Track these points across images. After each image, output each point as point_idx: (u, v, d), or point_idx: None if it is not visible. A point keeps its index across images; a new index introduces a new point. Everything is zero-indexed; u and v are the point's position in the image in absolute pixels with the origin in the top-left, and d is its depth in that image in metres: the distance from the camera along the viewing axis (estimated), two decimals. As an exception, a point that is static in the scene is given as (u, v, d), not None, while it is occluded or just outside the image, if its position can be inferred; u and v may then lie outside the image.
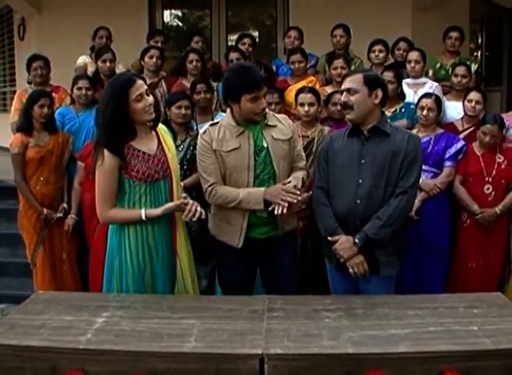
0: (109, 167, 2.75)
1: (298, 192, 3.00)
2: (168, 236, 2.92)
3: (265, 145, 3.07)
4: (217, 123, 3.18)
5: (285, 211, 2.93)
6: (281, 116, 3.27)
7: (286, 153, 3.13)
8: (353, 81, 2.97)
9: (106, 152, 2.74)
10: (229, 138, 3.07)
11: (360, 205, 2.95)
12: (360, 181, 2.96)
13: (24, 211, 4.43)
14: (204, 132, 3.16)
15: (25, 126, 4.34)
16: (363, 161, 2.96)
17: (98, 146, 2.79)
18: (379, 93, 2.96)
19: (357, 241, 2.92)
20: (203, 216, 2.85)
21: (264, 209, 3.02)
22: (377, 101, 2.97)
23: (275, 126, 3.13)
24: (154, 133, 2.94)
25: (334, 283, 3.19)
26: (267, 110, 3.18)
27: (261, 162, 3.07)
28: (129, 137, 2.81)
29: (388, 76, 4.27)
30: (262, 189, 3.01)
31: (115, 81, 2.84)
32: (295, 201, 2.95)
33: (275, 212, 2.95)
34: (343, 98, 3.01)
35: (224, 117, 3.22)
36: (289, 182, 3.02)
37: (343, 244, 2.95)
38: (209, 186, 3.10)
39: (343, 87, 3.06)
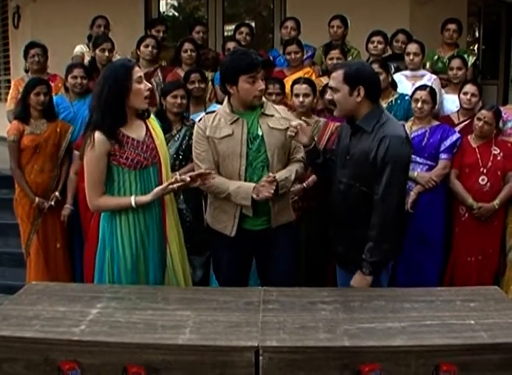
0: (99, 152, 2.72)
1: (273, 187, 2.96)
2: (158, 223, 2.90)
3: (260, 133, 3.06)
4: (214, 111, 3.19)
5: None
6: (280, 107, 3.26)
7: (282, 143, 3.10)
8: (334, 79, 2.86)
9: (97, 136, 2.70)
10: (223, 125, 3.07)
11: (339, 201, 2.92)
12: (341, 178, 2.91)
13: (19, 199, 4.43)
14: (200, 119, 3.18)
15: (22, 114, 4.33)
16: (347, 157, 2.90)
17: (90, 129, 2.75)
18: (361, 91, 2.79)
19: (365, 270, 2.81)
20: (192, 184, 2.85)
21: (250, 206, 3.01)
22: (359, 98, 2.81)
23: (272, 115, 3.11)
24: (141, 120, 2.91)
25: (338, 276, 3.19)
26: (264, 99, 3.16)
27: (255, 150, 3.06)
28: (119, 123, 2.78)
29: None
30: (252, 185, 3.00)
31: (112, 65, 2.85)
32: (266, 194, 2.93)
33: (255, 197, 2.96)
34: (328, 95, 2.94)
35: (222, 106, 3.21)
36: (275, 176, 2.98)
37: (360, 284, 2.83)
38: None
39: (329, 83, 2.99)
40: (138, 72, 2.77)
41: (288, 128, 3.07)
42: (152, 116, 3.02)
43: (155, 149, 2.87)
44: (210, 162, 3.09)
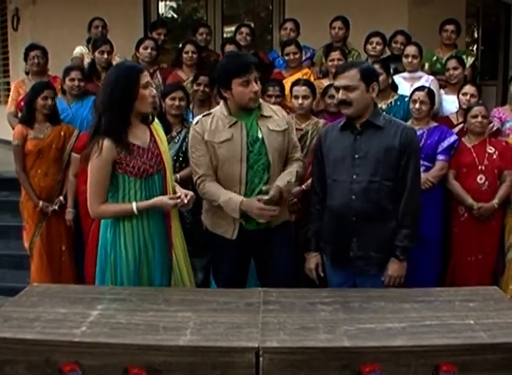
0: (106, 159, 2.68)
1: (274, 207, 2.96)
2: (162, 228, 2.88)
3: (260, 136, 3.04)
4: (210, 113, 3.13)
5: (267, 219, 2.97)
6: (275, 107, 3.24)
7: (281, 144, 3.10)
8: (349, 78, 2.88)
9: (106, 143, 2.66)
10: (222, 129, 3.03)
11: (356, 201, 2.91)
12: (355, 177, 2.91)
13: (24, 201, 4.45)
14: (197, 122, 3.12)
15: (27, 117, 4.34)
16: (356, 156, 2.91)
17: (98, 135, 2.70)
18: (375, 86, 2.91)
19: (402, 257, 2.93)
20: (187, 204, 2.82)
21: (240, 218, 3.01)
22: (374, 94, 2.92)
23: (270, 116, 3.09)
24: (145, 125, 2.87)
25: (331, 277, 3.17)
26: (261, 100, 3.14)
27: (256, 153, 3.03)
28: (124, 128, 2.74)
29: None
30: (241, 198, 2.97)
31: (121, 67, 2.79)
32: (271, 213, 2.94)
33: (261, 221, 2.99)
34: (341, 95, 2.88)
35: (219, 108, 3.16)
36: (267, 192, 2.98)
37: (399, 271, 2.96)
38: (198, 178, 3.09)
39: (337, 83, 2.96)
40: (146, 77, 2.74)
41: (286, 129, 3.09)
42: (156, 120, 2.97)
43: (160, 156, 2.83)
44: (208, 167, 3.05)
